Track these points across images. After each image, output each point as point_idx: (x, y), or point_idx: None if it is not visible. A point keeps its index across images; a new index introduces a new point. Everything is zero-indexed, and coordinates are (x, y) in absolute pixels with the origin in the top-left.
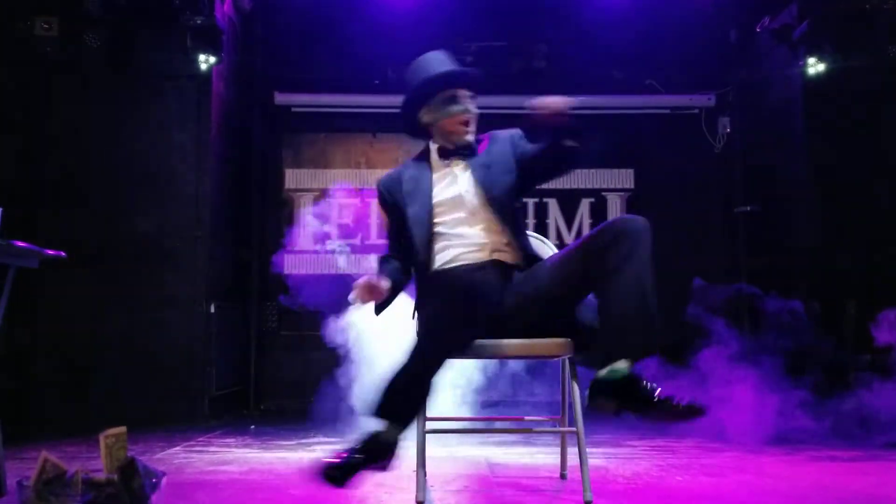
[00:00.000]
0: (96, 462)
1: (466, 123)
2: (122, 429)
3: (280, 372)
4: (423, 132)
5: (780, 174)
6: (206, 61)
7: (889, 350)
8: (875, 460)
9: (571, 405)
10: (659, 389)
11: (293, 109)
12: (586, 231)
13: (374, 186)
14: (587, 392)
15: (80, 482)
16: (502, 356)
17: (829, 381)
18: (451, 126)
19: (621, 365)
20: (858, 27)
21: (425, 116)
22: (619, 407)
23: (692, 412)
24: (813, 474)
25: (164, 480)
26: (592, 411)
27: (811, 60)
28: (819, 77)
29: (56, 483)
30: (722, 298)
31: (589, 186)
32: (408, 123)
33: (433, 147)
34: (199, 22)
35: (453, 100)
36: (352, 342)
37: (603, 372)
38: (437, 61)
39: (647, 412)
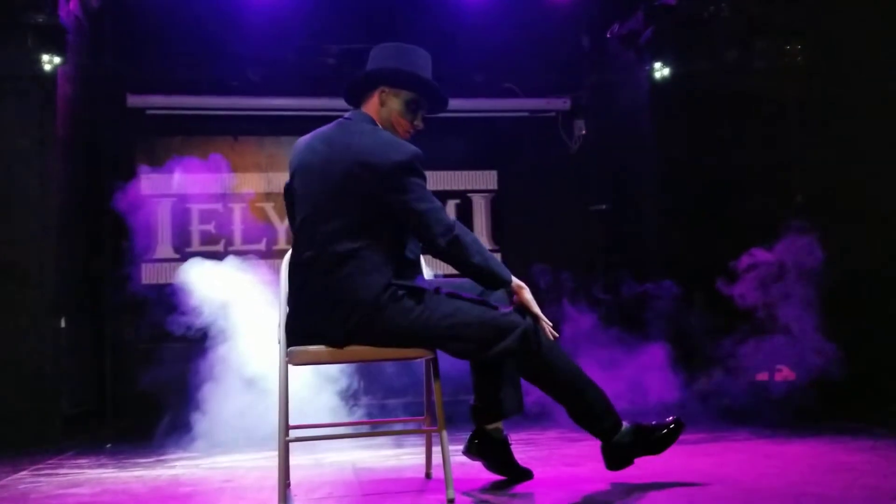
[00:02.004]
0: None
1: (410, 133)
2: None
3: (138, 387)
4: (358, 96)
5: (631, 173)
6: (49, 62)
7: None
8: (718, 441)
9: (435, 405)
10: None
11: (147, 112)
12: None
13: (236, 191)
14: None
15: None
16: (364, 360)
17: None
18: (400, 126)
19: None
20: (699, 34)
21: (385, 97)
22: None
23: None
24: (662, 457)
25: None
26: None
27: (657, 65)
28: (665, 81)
29: None
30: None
31: (454, 188)
32: (362, 85)
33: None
34: (40, 20)
35: (419, 108)
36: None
37: (614, 440)
38: (424, 65)
39: (659, 448)
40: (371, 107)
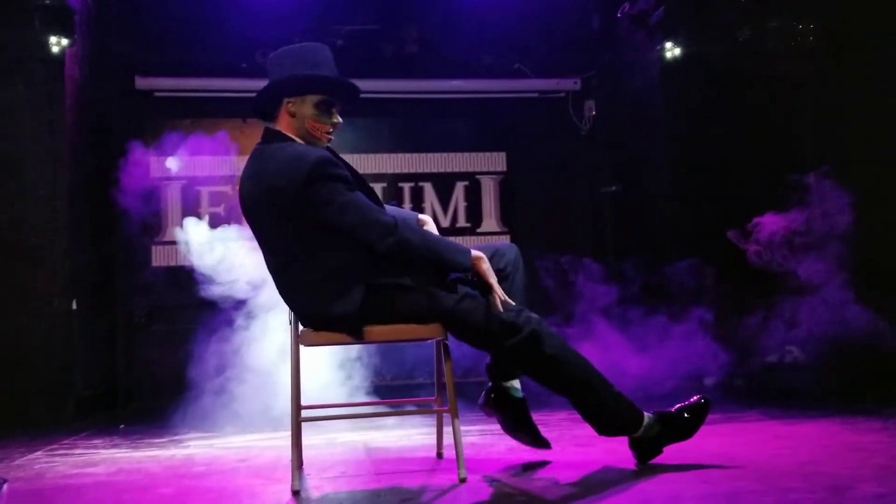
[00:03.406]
0: None
1: (330, 133)
2: None
3: (151, 368)
4: (268, 114)
5: (643, 154)
6: (57, 44)
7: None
8: (730, 422)
9: (445, 385)
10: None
11: (156, 94)
12: (461, 213)
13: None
14: (634, 455)
15: None
16: (376, 341)
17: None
18: (317, 131)
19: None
20: (710, 13)
21: (293, 107)
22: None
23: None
24: None
25: (4, 488)
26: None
27: (668, 45)
28: (676, 61)
29: None
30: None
31: (463, 170)
32: (265, 102)
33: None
34: (47, 2)
35: (331, 107)
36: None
37: (638, 434)
38: (324, 60)
39: (689, 432)
40: (282, 122)
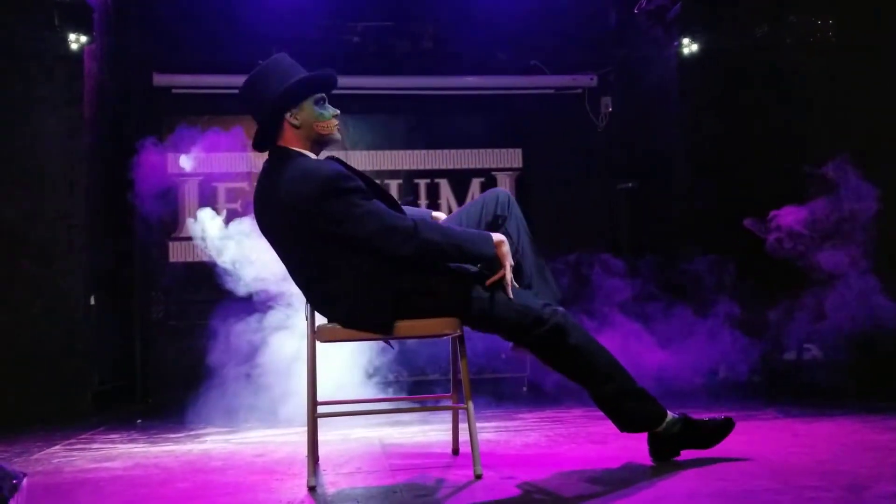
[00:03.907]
0: None
1: (337, 127)
2: None
3: (168, 363)
4: (271, 138)
5: (659, 151)
6: (76, 41)
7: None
8: (747, 420)
9: (461, 382)
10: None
11: (174, 91)
12: None
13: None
14: (650, 451)
15: None
16: (391, 337)
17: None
18: (327, 128)
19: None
20: (728, 9)
21: (295, 118)
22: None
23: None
24: None
25: (24, 482)
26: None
27: (685, 41)
28: (693, 57)
29: None
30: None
31: (479, 166)
32: (269, 127)
33: (305, 151)
34: None
35: (325, 102)
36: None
37: (659, 430)
38: (291, 64)
39: (709, 443)
40: (287, 137)
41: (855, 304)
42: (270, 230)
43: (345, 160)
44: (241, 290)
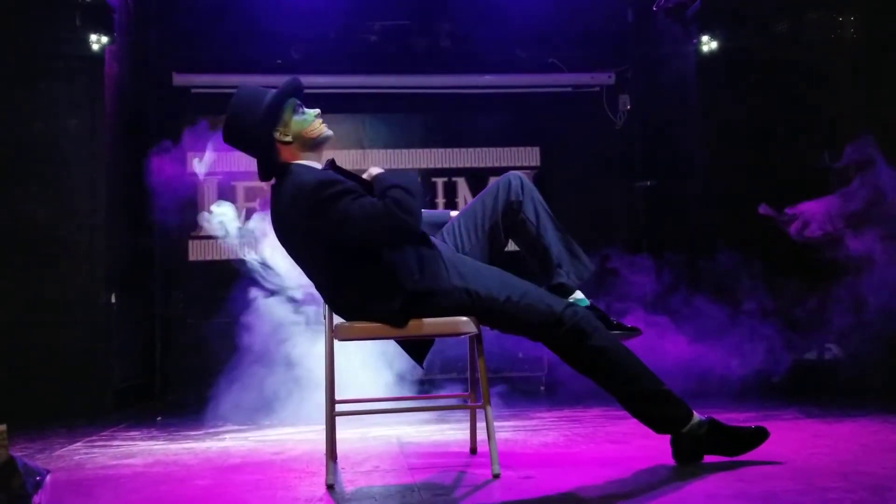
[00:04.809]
0: None
1: (323, 125)
2: (2, 426)
3: (187, 361)
4: (274, 156)
5: (678, 149)
6: (97, 41)
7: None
8: (767, 420)
9: (479, 381)
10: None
11: (193, 91)
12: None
13: None
14: (673, 452)
15: None
16: (409, 336)
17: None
18: (314, 131)
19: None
20: (746, 6)
21: (284, 135)
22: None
23: (761, 434)
24: None
25: (48, 478)
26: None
27: (704, 38)
28: (712, 54)
29: None
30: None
31: (496, 165)
32: (265, 152)
33: (308, 162)
34: (88, 0)
35: (302, 107)
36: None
37: (684, 430)
38: (255, 91)
39: (735, 450)
40: (285, 154)
41: (889, 295)
42: (286, 246)
43: (361, 159)
44: (261, 289)
